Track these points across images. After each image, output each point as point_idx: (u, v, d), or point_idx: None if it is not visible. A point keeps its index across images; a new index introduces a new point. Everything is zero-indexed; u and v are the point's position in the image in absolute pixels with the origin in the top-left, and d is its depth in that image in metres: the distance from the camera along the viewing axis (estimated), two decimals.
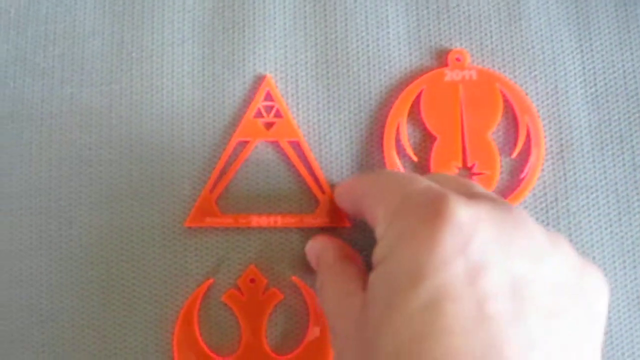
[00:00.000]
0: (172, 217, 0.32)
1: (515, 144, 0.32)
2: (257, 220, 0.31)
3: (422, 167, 0.32)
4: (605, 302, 0.22)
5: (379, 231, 0.23)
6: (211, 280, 0.32)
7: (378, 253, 0.23)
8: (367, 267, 0.26)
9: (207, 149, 0.33)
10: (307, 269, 0.31)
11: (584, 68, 0.33)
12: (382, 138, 0.32)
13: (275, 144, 0.33)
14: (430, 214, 0.21)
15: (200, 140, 0.33)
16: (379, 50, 0.33)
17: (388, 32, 0.33)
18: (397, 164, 0.32)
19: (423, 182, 0.24)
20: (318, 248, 0.30)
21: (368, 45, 0.33)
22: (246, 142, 0.32)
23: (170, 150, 0.33)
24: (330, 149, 0.33)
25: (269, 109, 0.33)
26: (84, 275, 0.32)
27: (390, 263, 0.22)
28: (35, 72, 0.34)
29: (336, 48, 0.33)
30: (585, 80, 0.33)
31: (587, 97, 0.33)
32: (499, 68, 0.33)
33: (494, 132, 0.32)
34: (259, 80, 0.33)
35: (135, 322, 0.32)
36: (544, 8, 0.33)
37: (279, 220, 0.31)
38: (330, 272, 0.28)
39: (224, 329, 0.31)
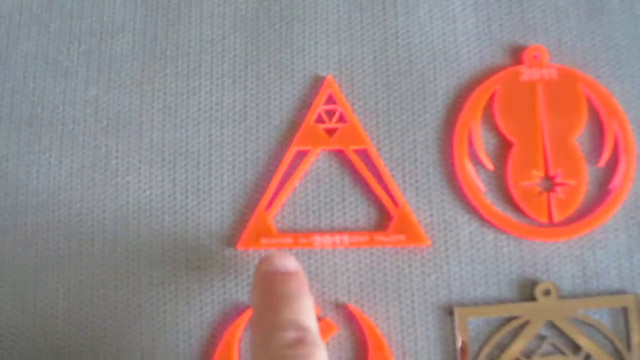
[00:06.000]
0: (209, 235, 0.29)
1: (602, 151, 0.28)
2: (320, 241, 0.28)
3: (498, 176, 0.29)
4: None
5: None
6: None
7: None
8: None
9: (250, 156, 0.29)
10: (365, 295, 0.28)
11: None
12: (452, 144, 0.29)
13: (340, 153, 0.29)
14: None
15: (242, 147, 0.29)
16: (445, 47, 0.30)
17: (455, 27, 0.30)
18: (470, 173, 0.28)
19: None
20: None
21: (433, 42, 0.30)
22: (306, 152, 0.29)
23: (208, 160, 0.29)
24: (390, 156, 0.29)
25: (331, 113, 0.29)
26: (107, 300, 0.28)
27: None
28: (58, 72, 0.31)
29: (397, 44, 0.30)
30: None
31: None
32: (581, 67, 0.29)
33: (579, 138, 0.29)
34: (310, 81, 0.30)
35: (163, 355, 0.28)
36: (628, 1, 0.30)
37: (346, 240, 0.28)
38: None
39: None
